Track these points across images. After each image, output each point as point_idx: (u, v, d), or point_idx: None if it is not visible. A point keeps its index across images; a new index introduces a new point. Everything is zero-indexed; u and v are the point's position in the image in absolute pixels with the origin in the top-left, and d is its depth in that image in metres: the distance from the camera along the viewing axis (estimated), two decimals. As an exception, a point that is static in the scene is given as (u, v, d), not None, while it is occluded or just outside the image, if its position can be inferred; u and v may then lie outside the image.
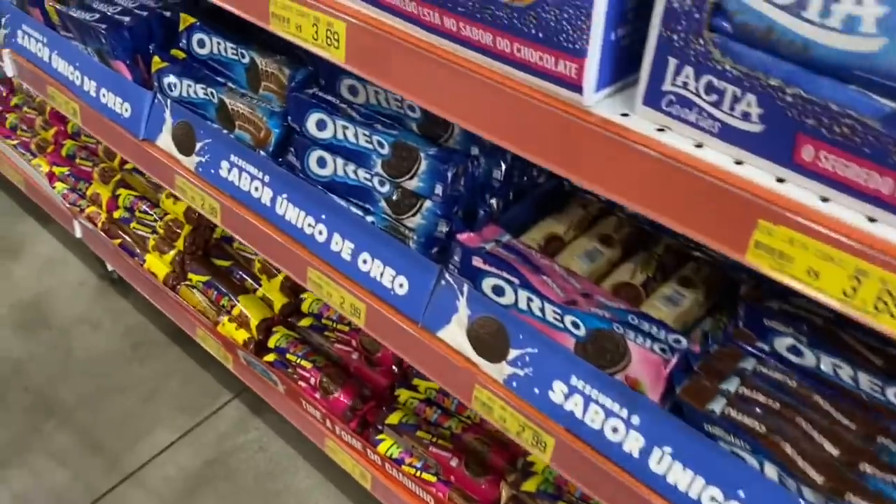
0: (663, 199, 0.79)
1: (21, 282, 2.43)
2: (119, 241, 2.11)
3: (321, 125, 1.35)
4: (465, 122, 0.92)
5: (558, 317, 1.09)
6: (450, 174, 1.20)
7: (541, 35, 0.80)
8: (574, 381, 1.09)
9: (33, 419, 2.05)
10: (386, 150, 1.27)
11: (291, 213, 1.41)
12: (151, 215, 2.06)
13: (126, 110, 1.64)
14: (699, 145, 0.78)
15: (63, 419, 2.05)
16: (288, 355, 1.79)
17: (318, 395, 1.73)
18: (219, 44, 1.51)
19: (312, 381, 1.73)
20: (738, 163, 0.76)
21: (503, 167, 1.25)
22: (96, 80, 1.69)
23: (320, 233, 1.37)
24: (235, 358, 1.90)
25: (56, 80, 1.81)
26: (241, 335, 1.86)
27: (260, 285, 1.94)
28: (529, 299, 1.11)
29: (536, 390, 1.12)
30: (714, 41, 0.71)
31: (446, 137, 1.25)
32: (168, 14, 1.64)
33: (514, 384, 1.15)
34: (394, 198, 1.28)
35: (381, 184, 1.29)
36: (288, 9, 1.05)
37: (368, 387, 1.74)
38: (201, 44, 1.54)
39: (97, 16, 1.62)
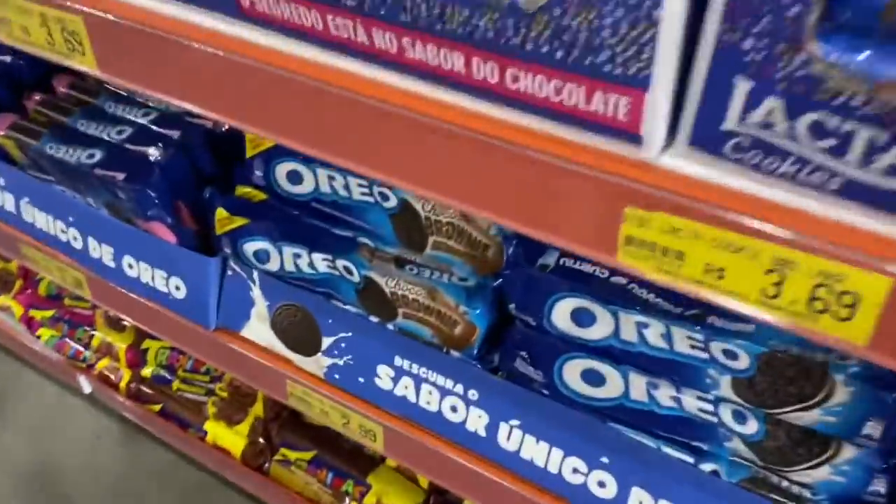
0: None
1: (15, 450, 1.80)
2: (158, 405, 1.51)
3: (583, 319, 0.77)
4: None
5: None
6: (903, 408, 0.65)
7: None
8: None
9: None
10: (743, 364, 0.71)
11: (533, 449, 0.85)
12: (204, 375, 1.45)
13: (177, 288, 1.02)
14: None
15: None
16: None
17: None
18: (332, 179, 0.89)
19: None
20: None
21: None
22: (111, 243, 1.06)
23: (601, 484, 0.82)
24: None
25: (35, 238, 1.16)
26: (386, 530, 1.31)
27: (390, 450, 1.37)
28: None
29: None
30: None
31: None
32: (212, 126, 0.99)
33: None
34: (766, 441, 0.73)
35: (738, 418, 0.74)
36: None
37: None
38: (295, 178, 0.92)
39: (99, 154, 0.95)
